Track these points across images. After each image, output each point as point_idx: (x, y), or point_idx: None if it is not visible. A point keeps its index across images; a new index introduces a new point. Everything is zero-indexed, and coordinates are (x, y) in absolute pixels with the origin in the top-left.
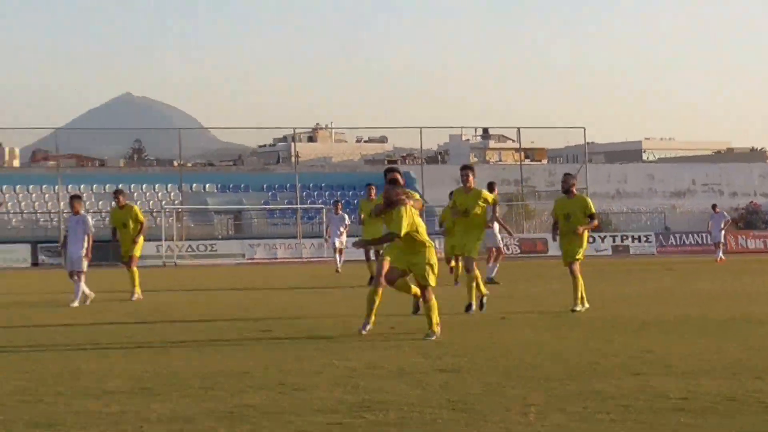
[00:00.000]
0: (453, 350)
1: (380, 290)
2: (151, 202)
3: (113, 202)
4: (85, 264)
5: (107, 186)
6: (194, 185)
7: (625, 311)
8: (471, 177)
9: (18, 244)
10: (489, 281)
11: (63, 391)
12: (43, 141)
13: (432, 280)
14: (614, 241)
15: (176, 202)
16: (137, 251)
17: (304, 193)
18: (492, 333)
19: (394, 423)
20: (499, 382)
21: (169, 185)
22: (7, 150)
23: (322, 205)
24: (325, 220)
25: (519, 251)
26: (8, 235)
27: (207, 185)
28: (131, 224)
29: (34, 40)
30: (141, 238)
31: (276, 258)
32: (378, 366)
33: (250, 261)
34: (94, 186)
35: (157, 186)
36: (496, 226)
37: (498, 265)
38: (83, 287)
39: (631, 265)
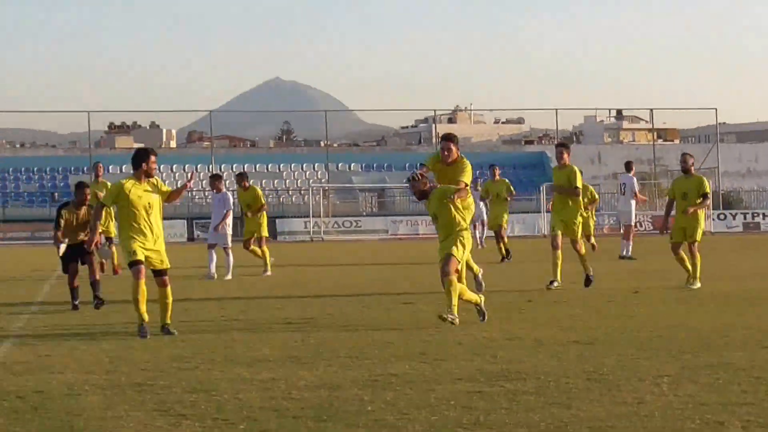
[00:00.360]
0: (588, 323)
1: (449, 282)
2: (299, 181)
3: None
4: (229, 239)
5: (258, 166)
6: (340, 165)
7: (756, 285)
8: (566, 154)
9: (175, 220)
10: (622, 258)
11: (217, 359)
12: (198, 123)
13: (456, 252)
14: (745, 218)
15: (323, 180)
16: (264, 231)
17: None
18: (625, 306)
19: (531, 392)
20: (633, 354)
21: (316, 164)
22: (164, 131)
23: None
24: None
25: (652, 227)
26: (166, 212)
27: (352, 164)
28: (255, 204)
29: (190, 29)
30: (264, 219)
31: (418, 234)
32: (516, 337)
33: (393, 236)
34: (246, 165)
35: (304, 165)
36: (633, 201)
37: (631, 242)
38: (231, 260)
39: (763, 242)
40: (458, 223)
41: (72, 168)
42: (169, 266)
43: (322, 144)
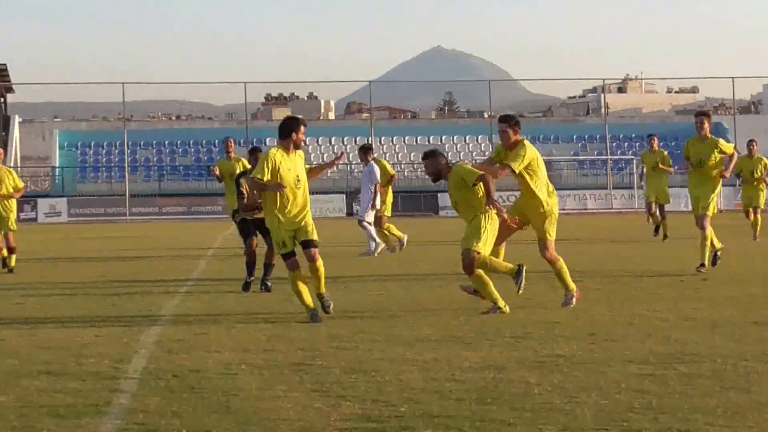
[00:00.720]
0: None
1: (475, 279)
2: (461, 154)
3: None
4: (369, 214)
5: (419, 138)
6: None
7: None
8: (706, 124)
9: (333, 194)
10: None
11: (377, 339)
12: (357, 94)
13: (477, 245)
14: None
15: (486, 153)
16: (387, 210)
17: (614, 144)
18: None
19: (707, 375)
20: None
21: (480, 136)
22: (323, 103)
23: (632, 156)
24: (636, 170)
25: None
26: (324, 186)
27: None
28: (384, 177)
29: None
30: (389, 196)
31: (586, 209)
32: (690, 318)
33: (560, 212)
34: (406, 138)
35: (467, 137)
36: None
37: None
38: (374, 236)
39: None
40: (474, 206)
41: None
42: (317, 238)
43: (485, 115)
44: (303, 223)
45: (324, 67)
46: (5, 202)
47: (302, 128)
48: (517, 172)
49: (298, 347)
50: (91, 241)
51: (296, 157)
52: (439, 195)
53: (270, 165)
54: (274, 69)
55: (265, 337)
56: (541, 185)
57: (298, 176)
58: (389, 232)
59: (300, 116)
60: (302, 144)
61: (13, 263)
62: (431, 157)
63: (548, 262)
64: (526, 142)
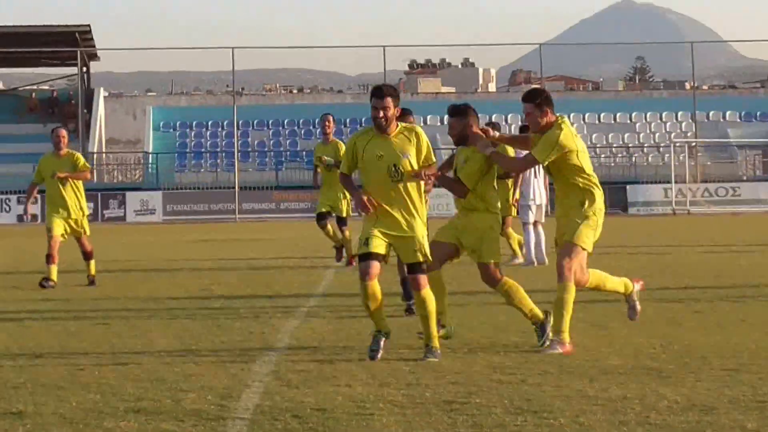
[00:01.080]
0: None
1: (505, 291)
2: (656, 135)
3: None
4: (525, 213)
5: (602, 115)
6: (711, 113)
7: None
8: None
9: None
10: None
11: (550, 370)
12: (525, 60)
13: (492, 256)
14: None
15: (689, 134)
16: (511, 209)
17: None
18: None
19: None
20: None
21: (680, 113)
22: (481, 71)
23: None
24: None
25: None
26: None
27: (728, 113)
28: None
29: None
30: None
31: None
32: None
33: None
34: (586, 115)
35: (664, 114)
36: None
37: None
38: (528, 240)
39: None
40: (484, 200)
41: (362, 119)
42: (425, 260)
43: (687, 86)
44: (405, 235)
45: (483, 28)
46: (75, 197)
47: (374, 99)
48: (544, 164)
49: (449, 381)
50: (191, 246)
51: (397, 140)
52: (627, 187)
53: (348, 153)
54: (421, 30)
55: (408, 367)
56: (580, 182)
57: (394, 165)
58: (508, 239)
59: (387, 84)
60: (380, 121)
61: (92, 271)
62: (463, 116)
63: (561, 275)
64: (565, 125)
